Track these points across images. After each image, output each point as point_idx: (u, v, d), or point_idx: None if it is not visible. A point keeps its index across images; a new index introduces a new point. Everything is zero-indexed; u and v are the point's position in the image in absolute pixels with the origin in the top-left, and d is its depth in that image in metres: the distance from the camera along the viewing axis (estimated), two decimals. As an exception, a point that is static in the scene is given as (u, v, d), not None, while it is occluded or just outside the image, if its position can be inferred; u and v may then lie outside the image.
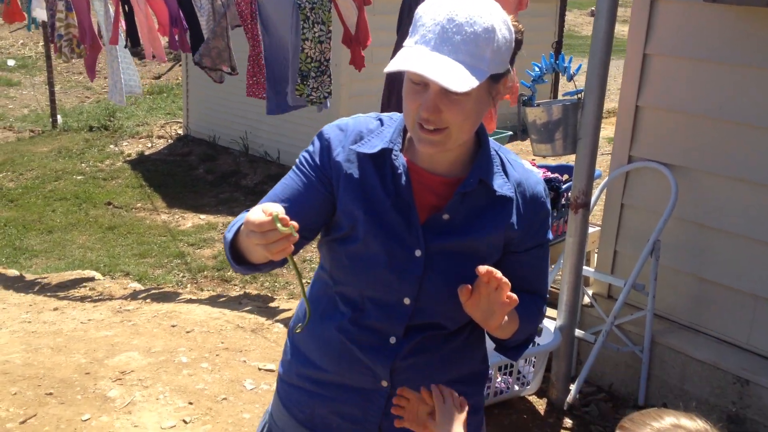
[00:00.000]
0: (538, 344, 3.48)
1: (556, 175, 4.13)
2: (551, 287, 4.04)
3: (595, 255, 4.05)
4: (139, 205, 7.37)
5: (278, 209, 1.30)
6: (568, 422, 3.40)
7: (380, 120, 1.57)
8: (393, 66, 1.35)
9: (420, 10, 1.39)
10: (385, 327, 1.55)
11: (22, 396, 3.43)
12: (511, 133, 7.96)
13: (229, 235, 1.51)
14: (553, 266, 3.90)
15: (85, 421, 3.26)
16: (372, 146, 1.52)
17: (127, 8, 5.67)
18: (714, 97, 3.20)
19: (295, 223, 1.31)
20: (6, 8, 6.58)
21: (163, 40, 6.01)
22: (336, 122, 1.58)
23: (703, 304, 3.39)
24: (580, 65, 3.33)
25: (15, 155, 8.90)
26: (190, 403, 3.43)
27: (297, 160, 1.59)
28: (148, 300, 4.82)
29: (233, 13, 4.90)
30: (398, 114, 1.57)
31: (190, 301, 4.83)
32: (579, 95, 3.29)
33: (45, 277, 5.32)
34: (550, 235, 1.65)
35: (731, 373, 3.19)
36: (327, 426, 1.64)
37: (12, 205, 7.33)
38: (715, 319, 3.36)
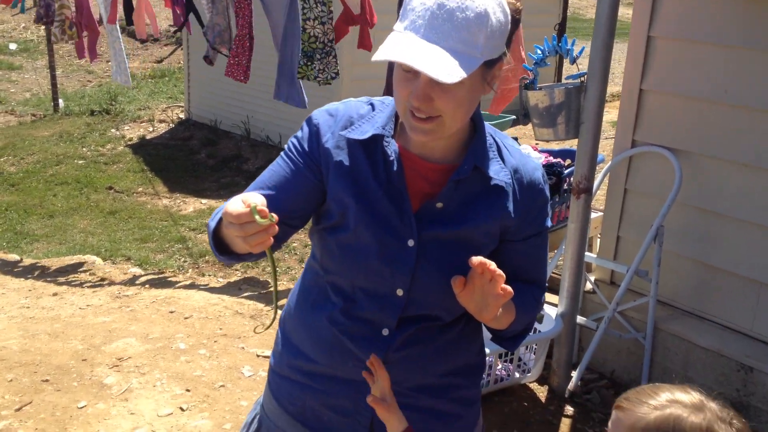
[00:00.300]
0: (539, 331, 3.44)
1: (559, 159, 4.07)
2: (553, 273, 4.00)
3: (598, 241, 4.01)
4: (140, 189, 7.33)
5: (258, 200, 1.25)
6: (569, 410, 3.37)
7: (372, 105, 1.52)
8: (380, 55, 1.28)
9: None
10: (377, 318, 1.51)
11: (17, 383, 3.41)
12: (513, 117, 7.88)
13: (212, 224, 1.46)
14: (555, 252, 3.86)
15: (81, 408, 3.23)
16: (362, 132, 1.47)
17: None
18: (719, 80, 3.14)
19: (274, 215, 1.26)
20: None
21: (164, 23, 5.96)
22: (326, 107, 1.53)
23: (707, 291, 3.35)
24: (584, 48, 3.27)
25: (16, 139, 8.87)
26: (188, 390, 3.41)
27: (285, 146, 1.54)
28: (147, 285, 4.80)
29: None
30: (390, 98, 1.51)
31: (189, 286, 4.80)
32: (582, 78, 3.23)
33: (45, 262, 5.30)
34: (549, 223, 1.59)
35: (735, 360, 3.16)
36: (318, 419, 1.60)
37: (13, 189, 7.31)
38: (718, 305, 3.32)
